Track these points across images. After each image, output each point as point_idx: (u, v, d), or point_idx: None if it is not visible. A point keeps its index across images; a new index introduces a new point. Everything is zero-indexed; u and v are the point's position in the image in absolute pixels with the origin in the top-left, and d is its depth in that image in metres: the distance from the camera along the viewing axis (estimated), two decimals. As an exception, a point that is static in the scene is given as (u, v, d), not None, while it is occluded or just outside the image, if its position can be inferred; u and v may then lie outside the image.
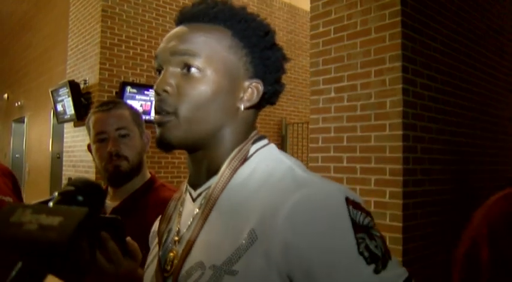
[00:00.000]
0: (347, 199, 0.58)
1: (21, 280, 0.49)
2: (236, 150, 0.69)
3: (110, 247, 0.81)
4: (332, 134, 2.93)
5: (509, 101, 3.90)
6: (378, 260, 0.55)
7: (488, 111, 3.51)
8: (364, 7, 2.80)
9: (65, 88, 5.20)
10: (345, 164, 2.85)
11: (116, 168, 1.32)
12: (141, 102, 4.97)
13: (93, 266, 0.76)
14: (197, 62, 0.66)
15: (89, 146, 1.44)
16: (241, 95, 0.70)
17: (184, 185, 0.79)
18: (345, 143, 2.86)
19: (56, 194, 0.67)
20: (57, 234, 0.47)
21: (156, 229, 0.83)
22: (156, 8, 5.35)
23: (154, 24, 5.33)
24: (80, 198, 0.67)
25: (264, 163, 0.68)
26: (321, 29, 3.06)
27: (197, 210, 0.69)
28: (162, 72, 0.69)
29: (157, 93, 0.68)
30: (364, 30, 2.80)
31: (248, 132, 0.73)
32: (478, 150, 3.35)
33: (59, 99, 5.44)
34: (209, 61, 0.67)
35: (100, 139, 1.35)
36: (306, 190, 0.58)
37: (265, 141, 0.74)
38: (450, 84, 3.01)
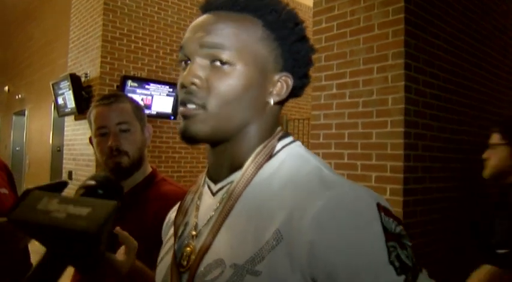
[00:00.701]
0: (378, 205, 0.56)
1: (47, 265, 0.52)
2: (262, 145, 0.67)
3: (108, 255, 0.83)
4: (333, 131, 2.93)
5: (511, 99, 3.89)
6: (408, 270, 0.53)
7: (490, 109, 3.50)
8: (368, 3, 2.79)
9: (66, 81, 5.20)
10: (345, 161, 2.84)
11: (116, 164, 1.32)
12: (142, 96, 4.97)
13: (104, 257, 0.77)
14: (227, 56, 0.63)
15: (90, 139, 1.44)
16: (271, 89, 0.68)
17: (202, 178, 0.76)
18: (346, 140, 2.86)
19: (76, 186, 0.73)
20: (86, 223, 0.49)
21: (171, 221, 0.81)
22: (158, 1, 5.34)
23: (156, 18, 5.31)
24: (100, 191, 0.71)
25: (290, 161, 0.66)
26: (323, 25, 3.05)
27: (218, 205, 0.67)
28: (189, 63, 0.66)
29: (183, 86, 0.65)
30: (367, 26, 2.79)
31: (274, 127, 0.71)
32: (479, 149, 3.34)
33: (60, 92, 5.43)
34: (239, 54, 0.64)
35: (101, 133, 1.34)
36: (335, 192, 0.56)
37: (290, 138, 0.71)
38: (453, 82, 3.00)
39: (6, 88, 10.14)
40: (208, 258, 0.62)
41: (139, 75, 5.14)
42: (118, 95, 1.43)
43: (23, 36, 9.42)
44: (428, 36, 2.77)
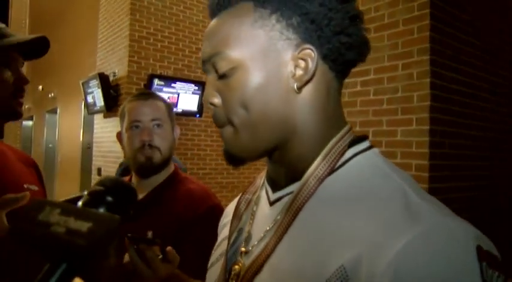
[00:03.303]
0: (479, 249, 0.43)
1: (52, 277, 0.48)
2: (325, 150, 0.57)
3: (148, 256, 0.83)
4: (357, 129, 2.90)
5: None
6: None
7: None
8: (392, -1, 2.74)
9: (95, 80, 5.32)
10: (369, 159, 2.81)
11: (148, 159, 1.33)
12: (168, 95, 5.04)
13: (118, 270, 0.77)
14: (224, 61, 0.56)
15: (118, 135, 1.45)
16: (293, 70, 0.56)
17: (261, 179, 0.68)
18: (370, 138, 2.80)
19: (86, 192, 0.65)
20: (85, 242, 0.45)
21: (227, 217, 0.75)
22: (183, 0, 5.39)
23: (181, 17, 5.37)
24: (110, 198, 0.64)
25: (365, 176, 0.54)
26: (347, 22, 3.01)
27: (273, 221, 0.58)
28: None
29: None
30: (391, 22, 2.74)
31: (326, 118, 0.59)
32: (509, 147, 3.24)
33: (89, 90, 5.57)
34: (236, 51, 0.56)
35: (134, 126, 1.35)
36: (422, 227, 0.43)
37: (366, 144, 0.59)
38: (480, 78, 2.92)
39: (40, 87, 10.46)
40: None
41: (165, 73, 5.21)
42: (153, 94, 1.46)
43: (55, 37, 9.66)
44: (454, 31, 2.70)
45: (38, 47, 1.30)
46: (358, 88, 2.90)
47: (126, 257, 0.88)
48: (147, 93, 1.45)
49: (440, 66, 2.59)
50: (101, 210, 0.61)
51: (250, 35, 0.56)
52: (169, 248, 0.89)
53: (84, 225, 0.46)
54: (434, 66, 2.55)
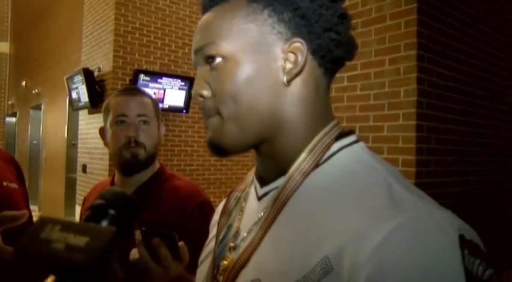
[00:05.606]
0: (461, 238, 0.44)
1: None
2: (311, 144, 0.57)
3: (162, 253, 0.80)
4: (344, 124, 2.89)
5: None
6: None
7: (508, 101, 3.41)
8: (379, -7, 2.73)
9: (79, 76, 5.24)
10: (356, 154, 2.80)
11: (133, 156, 1.30)
12: (154, 90, 4.97)
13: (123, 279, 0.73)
14: (216, 50, 0.57)
15: (101, 130, 1.41)
16: (283, 64, 0.56)
17: (251, 176, 0.69)
18: (357, 133, 2.80)
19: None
20: (82, 257, 0.47)
21: (218, 215, 0.76)
22: (169, -5, 5.32)
23: (167, 12, 5.30)
24: (112, 211, 0.63)
25: (350, 169, 0.55)
26: (334, 16, 2.99)
27: (261, 214, 0.59)
28: None
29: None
30: (379, 17, 2.72)
31: (314, 113, 0.59)
32: (496, 141, 3.26)
33: (74, 86, 5.48)
34: (228, 43, 0.56)
35: (119, 121, 1.32)
36: (406, 217, 0.44)
37: (353, 138, 0.60)
38: (467, 73, 2.92)
39: (24, 83, 10.30)
40: (245, 276, 0.56)
41: (151, 69, 5.15)
42: (139, 89, 1.43)
43: (39, 32, 9.53)
44: (442, 26, 2.70)
45: None
46: (345, 83, 2.88)
47: (133, 254, 0.85)
48: (133, 89, 1.42)
49: (428, 61, 2.59)
50: (104, 223, 0.61)
51: (242, 28, 0.57)
52: (181, 243, 0.86)
53: (82, 240, 0.48)
54: (422, 61, 2.55)
